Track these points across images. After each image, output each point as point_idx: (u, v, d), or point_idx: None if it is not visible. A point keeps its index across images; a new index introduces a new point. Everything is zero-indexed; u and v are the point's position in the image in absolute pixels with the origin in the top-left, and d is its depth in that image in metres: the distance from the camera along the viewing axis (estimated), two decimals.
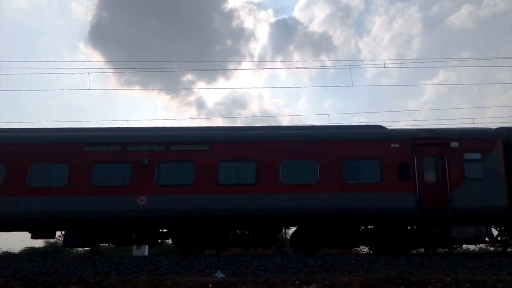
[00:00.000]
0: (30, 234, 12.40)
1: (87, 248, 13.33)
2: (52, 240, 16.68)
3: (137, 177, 11.86)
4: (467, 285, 7.86)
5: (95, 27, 63.57)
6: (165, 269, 9.60)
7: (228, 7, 73.30)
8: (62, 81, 51.34)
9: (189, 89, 77.11)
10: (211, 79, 71.64)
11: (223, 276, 8.89)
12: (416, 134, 12.41)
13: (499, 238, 12.60)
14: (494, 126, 13.31)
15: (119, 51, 66.50)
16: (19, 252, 19.58)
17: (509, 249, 13.12)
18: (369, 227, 12.62)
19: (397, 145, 12.08)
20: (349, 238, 12.09)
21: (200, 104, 79.93)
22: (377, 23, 78.56)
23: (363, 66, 58.47)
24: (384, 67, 29.10)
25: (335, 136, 12.46)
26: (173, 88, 75.28)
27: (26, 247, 19.46)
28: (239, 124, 75.15)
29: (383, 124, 13.33)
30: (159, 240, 12.99)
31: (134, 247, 15.70)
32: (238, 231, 12.55)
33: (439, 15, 72.77)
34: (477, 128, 13.19)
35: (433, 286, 7.82)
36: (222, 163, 12.02)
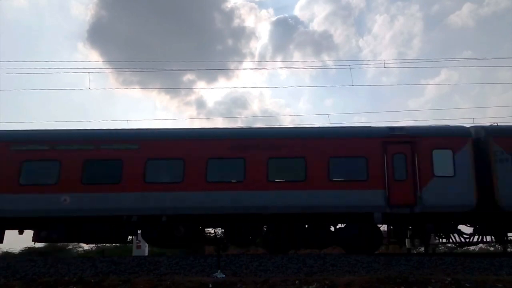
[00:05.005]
0: (31, 234, 12.40)
1: (86, 248, 13.34)
2: None
3: None
4: (467, 285, 7.85)
5: (94, 26, 63.66)
6: (165, 269, 9.59)
7: (229, 6, 73.42)
8: (62, 80, 51.47)
9: (189, 88, 77.18)
10: (211, 78, 71.76)
11: (223, 276, 8.89)
12: None
13: None
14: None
15: (118, 50, 66.61)
16: (19, 252, 19.60)
17: (509, 249, 13.14)
18: None
19: None
20: None
21: (200, 104, 80.00)
22: (378, 21, 78.67)
23: (363, 66, 58.47)
24: (384, 67, 29.06)
25: None
26: (173, 87, 75.40)
27: (26, 247, 19.50)
28: (239, 124, 75.40)
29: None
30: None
31: (134, 247, 15.71)
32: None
33: (440, 13, 72.93)
34: None
35: (433, 286, 7.82)
36: None
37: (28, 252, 19.05)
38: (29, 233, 12.47)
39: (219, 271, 9.12)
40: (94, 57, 70.39)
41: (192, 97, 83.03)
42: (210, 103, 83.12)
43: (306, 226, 12.32)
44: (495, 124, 13.07)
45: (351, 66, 24.06)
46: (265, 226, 12.50)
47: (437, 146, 12.10)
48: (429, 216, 11.87)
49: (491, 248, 18.86)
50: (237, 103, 78.14)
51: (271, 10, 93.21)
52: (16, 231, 12.46)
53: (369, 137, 12.43)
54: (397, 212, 11.75)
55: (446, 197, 11.65)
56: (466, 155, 11.97)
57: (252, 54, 76.89)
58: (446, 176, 11.80)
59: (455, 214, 11.94)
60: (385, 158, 12.07)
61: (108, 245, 14.56)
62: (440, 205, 11.68)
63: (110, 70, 68.11)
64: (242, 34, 76.07)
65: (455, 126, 13.00)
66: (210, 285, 8.04)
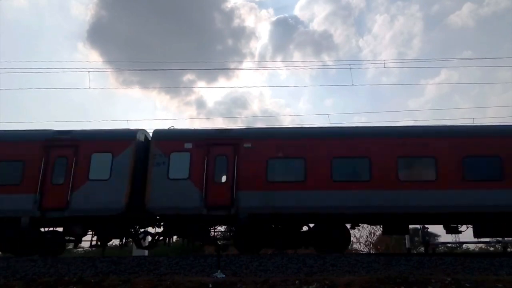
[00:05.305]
0: None
1: (87, 248, 13.39)
2: None
3: None
4: (467, 285, 7.84)
5: (94, 26, 63.69)
6: (165, 269, 9.59)
7: (229, 6, 73.43)
8: (62, 80, 51.51)
9: (189, 88, 77.22)
10: (211, 78, 71.81)
11: (223, 276, 8.89)
12: None
13: None
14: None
15: (118, 50, 66.64)
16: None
17: (509, 249, 13.14)
18: None
19: None
20: None
21: (200, 104, 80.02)
22: (378, 21, 78.68)
23: (363, 66, 58.51)
24: (384, 67, 29.04)
25: None
26: (173, 87, 75.44)
27: None
28: (239, 124, 75.41)
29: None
30: None
31: (134, 247, 15.67)
32: None
33: (440, 13, 72.98)
34: None
35: (433, 286, 7.81)
36: None
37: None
38: None
39: (219, 271, 9.12)
40: (94, 57, 70.56)
41: (192, 97, 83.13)
42: (210, 103, 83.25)
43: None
44: (172, 127, 13.05)
45: (351, 66, 24.07)
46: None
47: (97, 150, 12.24)
48: (79, 219, 11.95)
49: (491, 248, 18.86)
50: (237, 103, 78.27)
51: (271, 10, 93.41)
52: None
53: (28, 141, 12.45)
54: (48, 216, 11.83)
55: (96, 201, 11.75)
56: (126, 159, 12.10)
57: (252, 54, 77.00)
58: (100, 180, 11.95)
59: (107, 217, 11.90)
60: (44, 162, 12.10)
61: (108, 244, 14.49)
62: (88, 209, 11.76)
63: (110, 70, 68.15)
64: (242, 34, 76.18)
65: (120, 130, 13.05)
66: (210, 285, 8.04)
